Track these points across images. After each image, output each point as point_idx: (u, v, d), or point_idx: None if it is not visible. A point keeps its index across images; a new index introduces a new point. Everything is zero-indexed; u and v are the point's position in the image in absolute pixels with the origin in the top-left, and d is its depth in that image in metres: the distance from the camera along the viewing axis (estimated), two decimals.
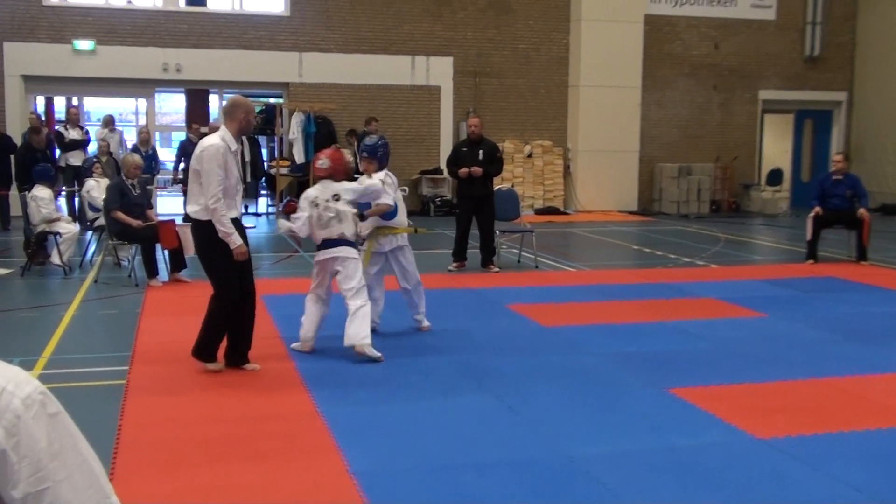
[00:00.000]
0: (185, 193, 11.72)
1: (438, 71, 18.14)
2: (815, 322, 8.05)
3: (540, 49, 18.82)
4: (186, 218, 6.05)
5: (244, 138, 16.01)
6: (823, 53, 20.44)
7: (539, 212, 18.23)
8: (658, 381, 6.05)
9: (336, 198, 6.61)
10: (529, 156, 18.60)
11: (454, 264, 10.75)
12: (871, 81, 20.34)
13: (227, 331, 6.15)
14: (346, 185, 6.75)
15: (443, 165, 17.18)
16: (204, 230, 5.96)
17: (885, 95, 19.83)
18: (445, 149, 16.95)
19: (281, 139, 17.24)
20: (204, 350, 6.12)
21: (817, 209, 11.87)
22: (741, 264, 11.93)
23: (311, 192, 6.75)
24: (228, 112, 6.11)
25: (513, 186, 16.42)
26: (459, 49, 18.32)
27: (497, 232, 11.08)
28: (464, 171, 10.69)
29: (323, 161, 6.72)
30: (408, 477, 4.34)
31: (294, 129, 16.20)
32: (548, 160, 18.77)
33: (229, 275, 6.05)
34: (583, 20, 18.48)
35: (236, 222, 6.04)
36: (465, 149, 11.01)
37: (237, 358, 6.19)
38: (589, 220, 17.37)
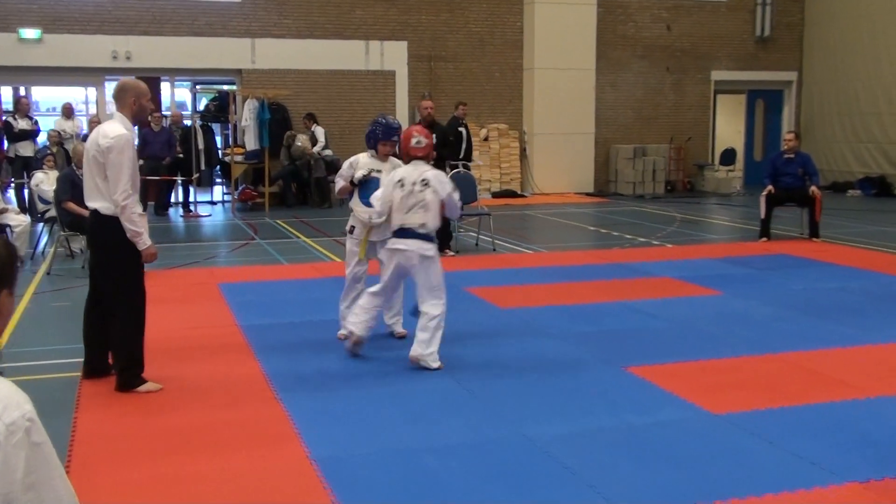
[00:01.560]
0: None
1: (393, 55, 18.06)
2: (769, 299, 8.17)
3: (494, 32, 18.81)
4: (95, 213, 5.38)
5: (198, 125, 16.12)
6: (774, 34, 20.67)
7: (496, 195, 18.26)
8: (615, 360, 6.10)
9: (424, 183, 6.04)
10: (486, 139, 18.61)
11: None
12: (819, 61, 20.61)
13: (91, 338, 5.57)
14: (439, 174, 6.15)
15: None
16: (111, 228, 5.27)
17: (833, 75, 20.11)
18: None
19: (235, 126, 17.06)
20: (131, 376, 5.42)
21: (770, 188, 12.04)
22: (696, 243, 12.05)
23: (400, 172, 6.12)
24: (118, 97, 5.43)
25: (469, 170, 16.43)
26: (413, 33, 18.25)
27: None
28: None
29: (419, 139, 6.12)
30: (369, 462, 4.34)
31: (247, 116, 16.02)
32: (504, 143, 18.80)
33: (136, 279, 5.46)
34: (536, 3, 18.49)
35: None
36: None
37: (100, 368, 5.60)
38: (546, 203, 17.44)
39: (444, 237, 10.84)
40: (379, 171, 6.58)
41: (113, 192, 5.20)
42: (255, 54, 17.25)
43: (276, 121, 16.43)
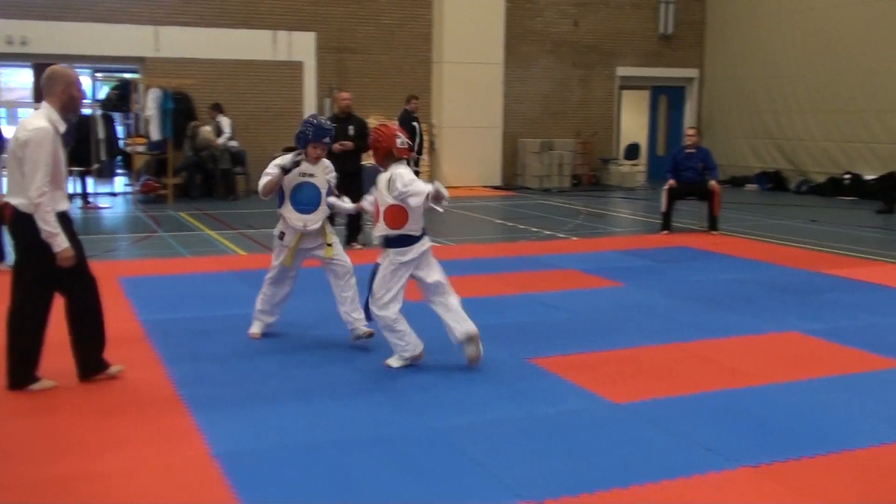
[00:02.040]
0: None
1: (301, 46, 17.88)
2: (669, 290, 8.37)
3: (403, 25, 18.79)
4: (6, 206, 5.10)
5: (98, 115, 15.66)
6: (676, 32, 21.17)
7: None
8: (519, 351, 6.18)
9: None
10: None
11: None
12: (719, 59, 21.19)
13: (74, 340, 5.38)
14: (408, 172, 5.83)
15: None
16: (27, 225, 4.98)
17: (733, 72, 20.71)
18: None
19: (137, 116, 16.65)
20: (20, 375, 5.21)
21: (671, 181, 12.34)
22: (600, 236, 12.27)
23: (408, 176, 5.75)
24: (46, 86, 5.11)
25: (419, 164, 16.36)
26: (322, 24, 18.10)
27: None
28: (337, 146, 10.58)
29: (403, 139, 5.82)
30: (271, 457, 4.30)
31: (151, 105, 15.67)
32: None
33: (44, 283, 5.15)
34: None
35: (65, 217, 5.18)
36: (333, 124, 10.86)
37: (94, 365, 5.43)
38: (454, 196, 17.37)
39: (352, 230, 10.81)
40: (312, 176, 6.30)
41: (27, 189, 4.92)
42: (158, 42, 16.87)
43: (180, 111, 16.11)
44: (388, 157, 5.81)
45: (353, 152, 10.69)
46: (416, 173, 13.06)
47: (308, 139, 6.19)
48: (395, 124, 6.06)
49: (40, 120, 5.03)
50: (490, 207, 15.87)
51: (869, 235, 12.37)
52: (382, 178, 5.81)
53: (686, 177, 12.41)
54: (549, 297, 8.02)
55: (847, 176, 17.66)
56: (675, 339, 6.58)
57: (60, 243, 5.00)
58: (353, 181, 10.75)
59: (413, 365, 5.82)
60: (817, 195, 17.83)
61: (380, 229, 5.81)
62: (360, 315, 6.20)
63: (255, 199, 16.42)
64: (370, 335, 6.20)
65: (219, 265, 9.51)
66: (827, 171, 18.24)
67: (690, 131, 13.13)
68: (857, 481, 4.08)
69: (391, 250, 5.81)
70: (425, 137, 18.79)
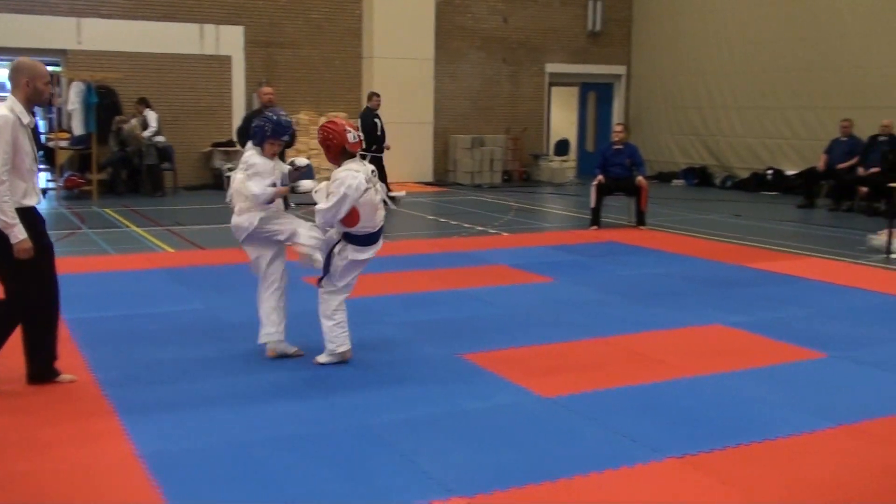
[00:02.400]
0: None
1: (228, 40, 17.64)
2: (598, 285, 8.49)
3: (333, 19, 18.68)
4: None
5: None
6: (604, 29, 21.43)
7: None
8: (450, 347, 6.21)
9: (375, 175, 5.76)
10: None
11: None
12: (646, 56, 21.52)
13: (27, 342, 5.28)
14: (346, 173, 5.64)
15: (235, 137, 16.79)
16: None
17: (659, 70, 21.06)
18: (238, 121, 16.56)
19: (59, 110, 16.25)
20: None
21: (600, 177, 12.52)
22: (531, 232, 12.38)
23: (362, 173, 5.62)
24: (11, 78, 5.14)
25: (309, 158, 16.24)
26: (250, 18, 17.89)
27: (292, 205, 10.95)
28: None
29: (354, 133, 5.67)
30: (200, 456, 4.25)
31: (73, 99, 15.30)
32: None
33: (32, 273, 5.11)
34: None
35: (31, 212, 5.09)
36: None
37: (46, 371, 5.33)
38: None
39: None
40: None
41: None
42: (81, 34, 16.48)
43: (104, 105, 15.78)
44: (341, 153, 5.69)
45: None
46: (382, 169, 13.24)
47: (267, 135, 5.87)
48: (342, 119, 5.94)
49: (1, 108, 4.96)
50: (422, 203, 15.89)
51: (790, 229, 12.70)
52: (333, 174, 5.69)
53: (614, 172, 12.60)
54: (480, 292, 8.06)
55: (769, 171, 18.10)
56: (603, 333, 6.68)
57: (17, 234, 4.90)
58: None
59: (342, 363, 5.80)
60: (741, 190, 18.23)
61: (338, 227, 5.74)
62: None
63: (182, 195, 16.22)
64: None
65: (146, 262, 9.36)
66: (750, 167, 18.67)
67: (618, 128, 13.33)
68: (777, 470, 4.19)
69: (350, 246, 5.77)
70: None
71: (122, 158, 15.96)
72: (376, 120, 14.50)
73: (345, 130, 5.65)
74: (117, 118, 15.99)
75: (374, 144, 13.95)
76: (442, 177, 19.81)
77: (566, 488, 3.96)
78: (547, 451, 4.38)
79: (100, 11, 16.63)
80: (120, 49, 16.72)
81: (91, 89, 15.27)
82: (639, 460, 4.26)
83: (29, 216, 5.05)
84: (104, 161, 15.90)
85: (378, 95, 14.95)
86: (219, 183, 17.05)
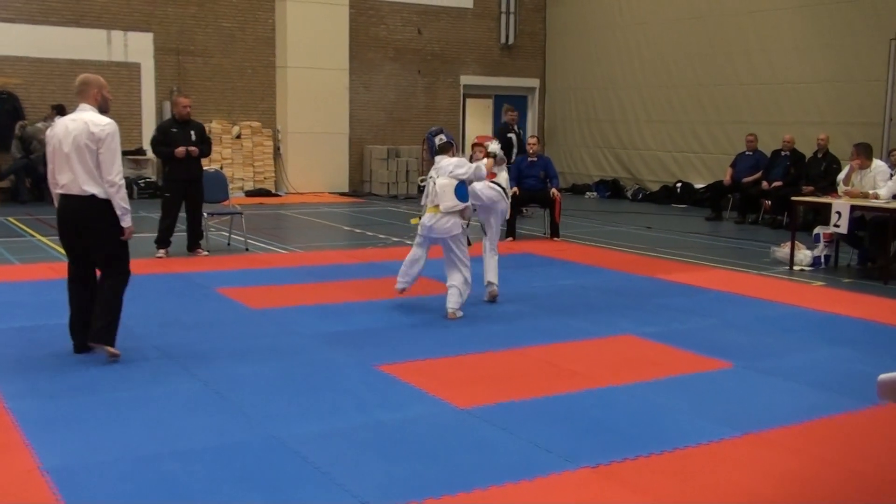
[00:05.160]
0: None
1: (137, 47, 17.30)
2: (513, 296, 8.54)
3: (245, 28, 18.48)
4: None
5: None
6: (517, 42, 21.69)
7: (250, 193, 17.95)
8: (365, 358, 6.17)
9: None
10: (238, 137, 18.24)
11: (162, 251, 10.26)
12: (559, 69, 21.85)
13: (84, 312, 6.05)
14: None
15: (146, 146, 16.47)
16: (104, 208, 5.84)
17: (573, 83, 21.39)
18: (148, 129, 16.26)
19: None
20: (111, 334, 5.95)
21: (514, 189, 12.61)
22: None
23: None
24: (81, 91, 5.97)
25: (221, 168, 16.04)
26: (160, 25, 17.57)
27: (205, 214, 10.78)
28: (181, 150, 10.28)
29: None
30: (106, 470, 4.13)
31: None
32: (257, 141, 18.51)
33: (126, 252, 6.09)
34: (288, 0, 18.34)
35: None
36: (174, 129, 10.55)
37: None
38: (301, 202, 17.34)
39: (194, 236, 10.55)
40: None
41: (108, 174, 5.78)
42: None
43: (6, 111, 15.32)
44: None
45: (196, 157, 10.46)
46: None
47: (454, 144, 8.11)
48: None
49: (103, 117, 5.90)
50: (337, 214, 15.79)
51: (698, 241, 13.02)
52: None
53: (528, 184, 12.74)
54: (396, 303, 8.04)
55: (679, 184, 18.53)
56: (517, 344, 6.73)
57: (129, 220, 5.96)
58: (194, 185, 10.51)
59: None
60: (652, 202, 18.61)
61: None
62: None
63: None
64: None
65: (51, 272, 9.06)
66: (661, 180, 19.08)
67: (532, 140, 13.48)
68: (686, 479, 4.27)
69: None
70: (270, 143, 18.60)
71: (25, 165, 15.47)
72: (510, 135, 14.87)
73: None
74: (19, 123, 15.51)
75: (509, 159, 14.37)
76: (357, 188, 19.74)
77: (482, 499, 3.96)
78: (462, 462, 4.38)
79: (1, 15, 16.11)
80: (22, 54, 16.25)
81: None
82: (553, 470, 4.29)
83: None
84: (7, 168, 15.40)
85: (513, 111, 15.50)
86: (128, 192, 16.66)
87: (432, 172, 7.75)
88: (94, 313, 5.94)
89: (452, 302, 7.53)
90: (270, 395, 5.37)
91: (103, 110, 5.99)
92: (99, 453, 4.34)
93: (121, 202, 5.84)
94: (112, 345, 5.92)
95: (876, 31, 14.86)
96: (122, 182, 5.87)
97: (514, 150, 14.68)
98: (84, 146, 5.75)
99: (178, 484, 4.02)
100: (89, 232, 5.92)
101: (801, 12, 16.14)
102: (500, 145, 8.35)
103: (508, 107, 15.73)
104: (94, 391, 5.34)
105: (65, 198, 5.89)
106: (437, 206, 7.51)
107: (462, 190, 7.57)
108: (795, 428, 5.02)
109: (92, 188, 5.80)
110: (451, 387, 5.57)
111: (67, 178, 5.82)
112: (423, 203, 7.82)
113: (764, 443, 4.76)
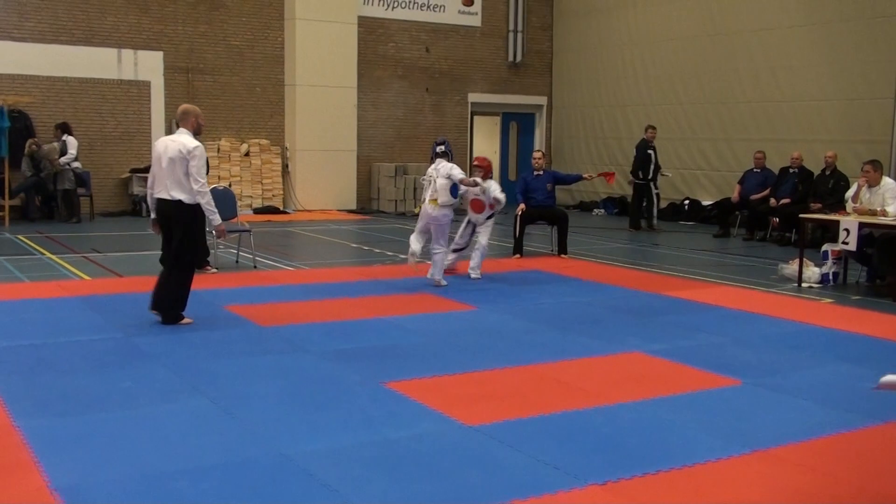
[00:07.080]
0: None
1: (148, 65, 17.41)
2: (520, 313, 8.55)
3: (254, 46, 18.59)
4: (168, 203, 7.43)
5: None
6: (525, 60, 21.77)
7: (258, 211, 18.01)
8: (373, 375, 6.17)
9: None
10: (246, 154, 18.32)
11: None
12: (566, 87, 21.91)
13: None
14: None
15: None
16: (189, 209, 7.37)
17: (580, 101, 21.45)
18: None
19: None
20: (177, 314, 7.53)
21: (522, 206, 12.63)
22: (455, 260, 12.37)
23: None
24: (182, 119, 7.53)
25: (230, 185, 16.13)
26: (170, 44, 17.69)
27: (213, 232, 10.79)
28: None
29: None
30: (116, 488, 4.13)
31: None
32: (266, 159, 18.58)
33: (201, 244, 8.08)
34: (297, 19, 18.46)
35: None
36: None
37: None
38: (308, 219, 17.39)
39: (202, 253, 10.55)
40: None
41: (196, 184, 7.30)
42: None
43: (16, 129, 15.39)
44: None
45: None
46: (657, 196, 16.60)
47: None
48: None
49: (194, 139, 7.45)
50: (345, 231, 15.83)
51: (706, 259, 13.00)
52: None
53: (536, 199, 12.75)
54: (404, 320, 8.05)
55: (686, 201, 18.51)
56: (525, 361, 6.72)
57: (218, 219, 7.61)
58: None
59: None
60: (660, 220, 18.56)
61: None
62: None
63: (99, 221, 15.88)
64: None
65: (61, 290, 9.11)
66: (668, 197, 19.07)
67: (537, 154, 13.49)
68: (695, 496, 4.26)
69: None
70: (279, 160, 18.66)
71: (35, 183, 15.56)
72: (650, 151, 16.39)
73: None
74: (30, 141, 15.60)
75: (640, 171, 16.49)
76: (365, 205, 19.79)
77: None
78: (470, 479, 4.38)
79: (12, 35, 16.26)
80: (33, 73, 16.37)
81: (2, 113, 14.88)
82: (561, 488, 4.29)
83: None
84: (17, 186, 15.48)
85: (654, 128, 16.58)
86: (137, 209, 16.75)
87: (431, 171, 10.10)
88: (163, 294, 7.53)
89: (437, 272, 9.89)
90: (278, 412, 5.37)
91: (196, 133, 7.56)
92: (108, 471, 4.34)
93: (206, 205, 7.39)
94: (178, 321, 7.51)
95: (883, 49, 14.89)
96: (207, 189, 7.39)
97: (653, 166, 16.44)
98: (180, 160, 7.26)
99: (186, 502, 4.03)
100: (179, 227, 7.43)
101: (809, 31, 16.18)
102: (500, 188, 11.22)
103: (650, 125, 16.84)
104: (103, 409, 5.35)
105: (160, 201, 7.44)
106: (435, 200, 9.93)
107: (455, 190, 10.07)
108: (804, 445, 5.01)
109: (179, 194, 7.31)
110: (459, 404, 5.57)
111: (162, 185, 7.37)
112: (423, 197, 10.11)
113: (773, 460, 4.75)
